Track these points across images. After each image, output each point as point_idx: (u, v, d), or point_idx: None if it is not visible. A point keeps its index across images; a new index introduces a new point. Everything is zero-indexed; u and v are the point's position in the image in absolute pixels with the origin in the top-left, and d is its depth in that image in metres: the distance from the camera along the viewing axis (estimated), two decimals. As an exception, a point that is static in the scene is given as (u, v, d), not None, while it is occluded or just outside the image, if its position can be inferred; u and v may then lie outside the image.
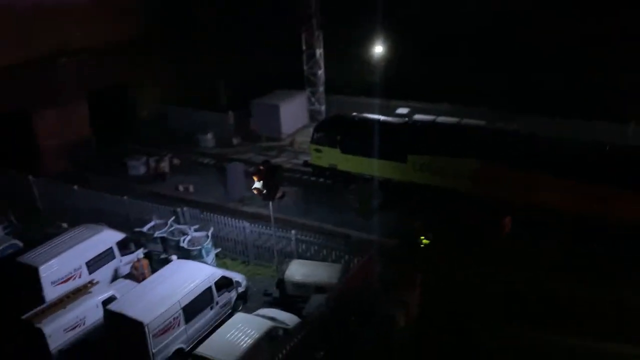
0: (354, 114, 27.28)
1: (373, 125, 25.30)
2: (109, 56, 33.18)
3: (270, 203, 17.88)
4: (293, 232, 19.61)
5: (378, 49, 31.89)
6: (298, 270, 18.18)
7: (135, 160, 30.61)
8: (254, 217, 25.13)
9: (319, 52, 30.75)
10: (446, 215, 22.06)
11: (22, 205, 26.20)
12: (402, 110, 32.54)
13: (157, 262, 20.97)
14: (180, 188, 28.09)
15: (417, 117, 31.51)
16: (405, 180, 24.02)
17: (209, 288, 17.14)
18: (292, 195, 26.06)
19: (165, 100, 36.57)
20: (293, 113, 34.10)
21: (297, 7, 30.55)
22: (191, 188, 27.94)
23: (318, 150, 26.34)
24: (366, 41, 33.31)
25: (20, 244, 20.39)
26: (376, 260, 17.85)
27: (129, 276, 19.93)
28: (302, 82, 33.99)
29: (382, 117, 26.49)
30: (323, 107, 32.17)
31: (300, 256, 20.02)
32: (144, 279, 19.39)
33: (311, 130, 30.03)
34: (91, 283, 17.65)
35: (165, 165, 29.68)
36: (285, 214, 25.18)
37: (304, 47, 30.86)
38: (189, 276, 17.05)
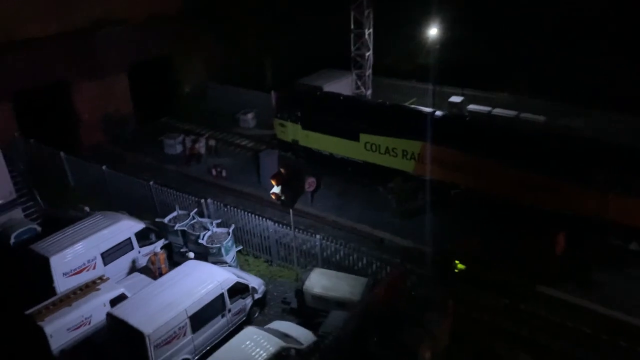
0: (318, 89, 27.18)
1: (332, 102, 25.90)
2: (152, 28, 32.14)
3: (291, 211, 16.23)
4: (317, 237, 17.97)
5: (433, 31, 29.18)
6: (319, 281, 16.61)
7: (172, 139, 29.72)
8: (285, 210, 23.86)
9: (368, 32, 28.42)
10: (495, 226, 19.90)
11: (53, 182, 25.87)
12: (456, 99, 30.08)
13: (176, 255, 20.06)
14: (213, 172, 26.96)
15: (471, 107, 29.02)
16: (359, 159, 24.46)
17: (221, 295, 15.88)
18: (326, 185, 24.39)
19: (208, 77, 35.36)
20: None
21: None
22: (224, 172, 26.74)
23: (282, 125, 26.73)
24: (421, 21, 30.67)
25: (38, 229, 19.77)
26: (406, 278, 16.01)
27: (145, 269, 19.05)
28: (348, 62, 31.91)
29: (343, 95, 26.93)
30: (369, 92, 29.98)
31: (326, 261, 18.46)
32: (160, 274, 18.58)
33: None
34: (100, 279, 16.74)
35: (201, 146, 28.59)
36: (318, 208, 23.70)
37: (352, 26, 28.59)
38: (201, 281, 15.82)
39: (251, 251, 20.35)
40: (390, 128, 23.20)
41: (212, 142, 29.21)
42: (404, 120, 23.82)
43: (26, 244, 18.75)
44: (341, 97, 26.40)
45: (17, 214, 20.23)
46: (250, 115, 32.33)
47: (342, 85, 32.16)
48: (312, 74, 33.10)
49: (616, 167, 18.39)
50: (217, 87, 34.88)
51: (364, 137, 23.86)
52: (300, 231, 18.81)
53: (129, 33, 31.23)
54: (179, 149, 29.70)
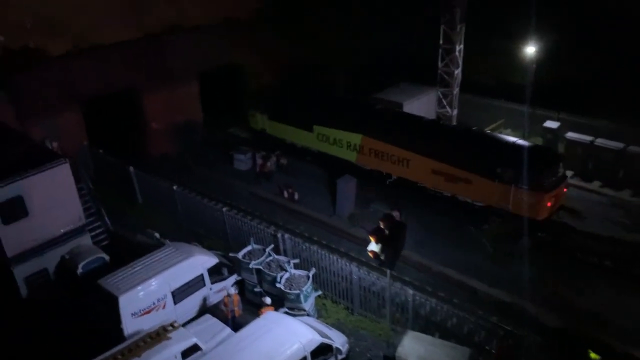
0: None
1: (293, 95, 28.60)
2: (224, 34, 30.76)
3: (388, 272, 14.18)
4: (410, 291, 15.88)
5: (530, 49, 26.41)
6: (414, 349, 14.53)
7: (242, 154, 28.30)
8: (364, 244, 21.88)
9: (459, 48, 25.96)
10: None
11: (120, 195, 24.87)
12: (551, 124, 27.23)
13: (248, 293, 18.50)
14: (285, 194, 25.29)
15: (570, 135, 26.13)
16: (313, 148, 26.89)
17: (304, 359, 14.12)
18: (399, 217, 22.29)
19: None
20: (418, 113, 29.73)
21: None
22: (296, 195, 25.04)
23: (253, 116, 29.41)
24: (514, 35, 27.94)
25: (107, 258, 18.56)
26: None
27: (214, 309, 17.58)
28: (429, 75, 29.57)
29: (303, 88, 29.27)
30: (455, 112, 27.52)
31: (418, 317, 16.39)
32: (233, 316, 17.10)
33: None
34: (172, 326, 15.26)
35: (271, 164, 27.03)
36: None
37: (441, 41, 26.19)
38: (282, 341, 14.10)
39: (330, 295, 18.49)
40: (335, 121, 25.50)
41: (283, 161, 27.56)
42: (347, 113, 26.03)
43: (94, 274, 17.60)
44: (300, 91, 28.83)
45: (86, 239, 19.07)
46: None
47: (423, 103, 29.92)
48: (388, 87, 30.93)
49: (519, 164, 19.96)
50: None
51: (316, 129, 26.13)
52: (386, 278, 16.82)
53: (201, 39, 29.94)
54: (248, 165, 28.28)
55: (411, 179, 23.35)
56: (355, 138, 24.66)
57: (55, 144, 21.18)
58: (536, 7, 25.25)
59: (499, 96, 29.65)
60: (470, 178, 21.09)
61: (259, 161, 27.30)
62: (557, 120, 27.73)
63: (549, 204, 20.05)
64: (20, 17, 24.27)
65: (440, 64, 26.73)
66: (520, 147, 21.25)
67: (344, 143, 25.24)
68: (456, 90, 27.05)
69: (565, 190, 21.20)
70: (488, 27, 29.18)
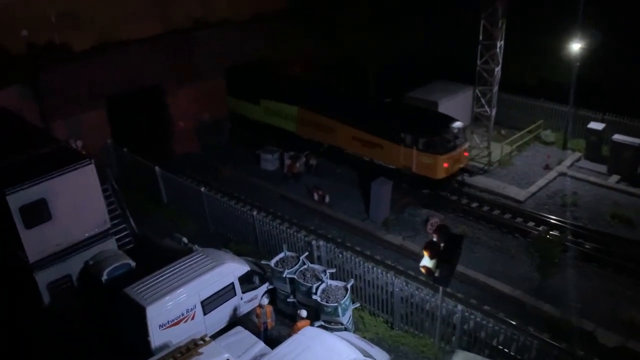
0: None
1: (248, 74, 30.34)
2: (251, 29, 29.79)
3: (441, 289, 12.99)
4: (460, 307, 14.66)
5: (576, 46, 24.94)
6: (465, 371, 13.40)
7: (269, 154, 27.30)
8: (398, 251, 20.81)
9: (500, 44, 24.59)
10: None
11: (145, 195, 24.03)
12: (596, 126, 25.79)
13: (280, 302, 17.45)
14: (315, 196, 24.21)
15: (617, 137, 24.65)
16: (260, 120, 29.00)
17: (346, 379, 13.02)
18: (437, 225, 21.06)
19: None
20: (454, 112, 28.30)
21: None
22: (327, 198, 23.94)
23: (228, 97, 30.73)
24: (557, 34, 26.52)
25: (133, 264, 17.62)
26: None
27: (244, 319, 16.59)
28: (463, 74, 28.30)
29: (250, 67, 30.71)
30: (494, 112, 26.14)
31: (465, 333, 15.18)
32: (265, 328, 16.07)
33: (472, 135, 26.61)
34: (203, 340, 14.25)
35: (300, 165, 25.98)
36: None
37: (480, 37, 24.84)
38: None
39: (367, 306, 17.35)
40: (277, 95, 27.89)
41: (312, 161, 26.48)
42: (287, 88, 28.55)
43: (119, 281, 16.67)
44: (250, 69, 30.55)
45: (111, 244, 18.17)
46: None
47: (459, 101, 28.60)
48: (423, 85, 29.65)
49: (420, 131, 22.87)
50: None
51: (263, 102, 28.43)
52: (426, 289, 15.67)
53: (228, 34, 28.98)
54: (275, 165, 27.28)
55: (337, 146, 25.93)
56: (293, 110, 27.02)
57: (79, 143, 20.36)
58: (580, 4, 23.89)
59: (539, 96, 28.22)
60: (382, 143, 23.80)
61: (287, 161, 26.27)
62: (602, 121, 26.25)
63: (445, 165, 22.48)
64: (44, 11, 23.55)
65: (479, 61, 25.40)
66: (423, 115, 24.77)
67: (285, 115, 27.53)
68: (495, 89, 25.68)
69: (465, 154, 23.71)
70: (529, 23, 27.84)
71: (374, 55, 32.07)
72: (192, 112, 28.65)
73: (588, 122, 26.05)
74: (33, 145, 17.35)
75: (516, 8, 24.81)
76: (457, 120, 23.67)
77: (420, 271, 16.71)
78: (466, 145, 23.62)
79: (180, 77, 27.77)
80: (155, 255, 18.69)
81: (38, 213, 16.01)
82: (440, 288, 12.87)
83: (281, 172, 26.66)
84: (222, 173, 27.03)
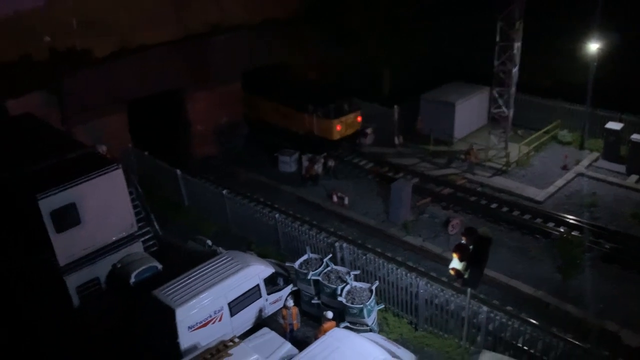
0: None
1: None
2: (266, 33, 30.04)
3: (469, 290, 13.13)
4: (485, 309, 14.80)
5: (593, 46, 24.96)
6: (492, 372, 13.54)
7: (287, 156, 27.52)
8: (420, 253, 20.94)
9: (517, 45, 24.67)
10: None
11: (165, 198, 24.31)
12: (614, 126, 25.77)
13: (304, 304, 17.64)
14: (334, 198, 24.39)
15: (635, 136, 24.65)
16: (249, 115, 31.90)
17: (376, 380, 13.20)
18: (460, 225, 21.21)
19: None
20: (470, 114, 28.69)
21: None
22: (346, 200, 24.11)
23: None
24: (573, 35, 26.56)
25: (159, 267, 17.90)
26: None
27: (269, 320, 16.80)
28: (476, 75, 28.46)
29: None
30: (511, 112, 26.21)
31: (490, 334, 15.30)
32: (291, 330, 16.29)
33: (490, 135, 26.79)
34: (233, 341, 14.47)
35: (318, 167, 26.17)
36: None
37: (497, 39, 24.93)
38: (353, 362, 13.18)
39: (391, 308, 17.51)
40: (255, 89, 30.91)
41: (331, 163, 26.66)
42: (266, 84, 31.05)
43: (146, 284, 16.96)
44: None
45: (137, 247, 18.46)
46: (368, 131, 29.50)
47: (475, 102, 28.75)
48: (438, 87, 29.78)
49: (318, 101, 27.51)
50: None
51: (249, 97, 31.23)
52: (450, 291, 15.84)
53: (243, 39, 29.25)
54: (293, 167, 27.50)
55: (264, 119, 30.15)
56: (250, 99, 30.97)
57: (104, 148, 20.64)
58: (596, 5, 23.94)
59: (556, 96, 28.24)
60: (293, 113, 28.36)
61: (306, 164, 26.48)
62: (620, 121, 26.23)
63: (338, 128, 27.04)
64: (66, 18, 23.91)
65: (496, 62, 25.46)
66: (321, 88, 29.58)
67: (251, 105, 31.06)
68: (513, 90, 25.75)
69: (359, 119, 28.14)
70: (544, 24, 27.89)
71: (387, 59, 32.19)
72: (209, 115, 28.90)
73: (605, 122, 26.01)
74: (61, 151, 17.65)
75: (531, 9, 24.89)
76: (346, 91, 28.64)
77: (441, 272, 17.07)
78: (358, 112, 28.01)
79: (198, 81, 28.06)
80: (179, 258, 18.97)
81: (68, 217, 16.30)
82: (468, 290, 12.99)
83: (299, 174, 26.85)
84: (239, 176, 27.28)
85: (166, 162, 24.59)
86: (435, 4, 32.47)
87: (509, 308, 17.34)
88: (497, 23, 24.66)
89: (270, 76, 31.12)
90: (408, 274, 16.44)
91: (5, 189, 17.06)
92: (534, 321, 16.26)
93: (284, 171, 27.60)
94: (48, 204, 15.92)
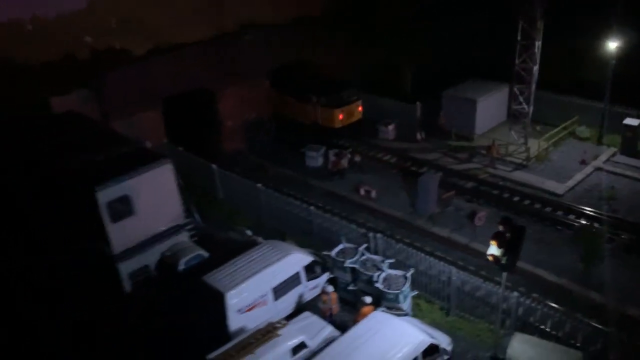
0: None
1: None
2: (293, 31, 31.06)
3: (504, 274, 14.19)
4: (515, 293, 15.87)
5: (612, 44, 25.81)
6: (526, 352, 14.56)
7: (314, 151, 28.54)
8: (447, 244, 21.98)
9: (538, 44, 25.55)
10: None
11: (200, 192, 25.41)
12: (632, 122, 26.60)
13: (341, 291, 18.73)
14: (362, 191, 25.44)
15: (653, 132, 25.47)
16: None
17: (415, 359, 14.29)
18: (484, 218, 22.21)
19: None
20: (490, 110, 29.59)
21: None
22: (373, 193, 25.15)
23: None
24: (591, 33, 27.36)
25: (206, 254, 19.06)
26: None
27: (308, 305, 17.90)
28: (495, 72, 29.32)
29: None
30: (531, 109, 27.12)
31: (518, 319, 16.36)
32: (331, 314, 17.40)
33: (510, 131, 27.81)
34: (281, 323, 15.64)
35: (345, 161, 27.19)
36: (485, 242, 21.56)
37: (519, 37, 25.81)
38: (394, 343, 14.24)
39: (423, 295, 18.58)
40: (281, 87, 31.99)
41: (357, 158, 27.69)
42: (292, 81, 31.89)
43: (194, 271, 18.13)
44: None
45: (184, 236, 19.63)
46: (391, 127, 30.52)
47: (495, 99, 29.65)
48: (459, 84, 30.67)
49: (321, 92, 29.34)
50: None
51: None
52: (481, 277, 16.92)
53: (272, 37, 30.28)
54: (320, 161, 28.53)
55: (284, 114, 31.57)
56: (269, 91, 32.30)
57: (149, 144, 21.75)
58: (615, 3, 24.75)
59: (574, 93, 29.06)
60: (300, 105, 30.15)
61: (332, 158, 27.47)
62: (637, 117, 27.06)
63: (340, 117, 28.81)
64: (106, 19, 25.05)
65: (517, 60, 26.36)
66: (324, 81, 30.67)
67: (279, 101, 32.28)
68: (533, 87, 26.65)
69: (359, 109, 29.79)
70: (564, 23, 28.64)
71: (410, 56, 33.07)
72: (239, 111, 30.03)
73: (623, 118, 26.82)
74: (114, 146, 18.81)
75: (550, 7, 25.66)
76: (346, 82, 30.05)
77: (468, 261, 17.99)
78: (359, 102, 29.67)
79: (229, 78, 29.14)
80: (221, 247, 20.08)
81: (122, 208, 17.48)
82: (504, 274, 14.05)
83: (326, 168, 27.87)
84: (268, 170, 28.35)
85: (203, 158, 25.70)
86: (455, 3, 33.24)
87: (534, 295, 18.36)
88: (519, 22, 25.53)
89: (289, 73, 32.26)
90: (442, 263, 17.47)
91: (63, 180, 18.21)
92: (559, 307, 17.24)
93: (310, 165, 28.60)
94: (105, 195, 17.12)
